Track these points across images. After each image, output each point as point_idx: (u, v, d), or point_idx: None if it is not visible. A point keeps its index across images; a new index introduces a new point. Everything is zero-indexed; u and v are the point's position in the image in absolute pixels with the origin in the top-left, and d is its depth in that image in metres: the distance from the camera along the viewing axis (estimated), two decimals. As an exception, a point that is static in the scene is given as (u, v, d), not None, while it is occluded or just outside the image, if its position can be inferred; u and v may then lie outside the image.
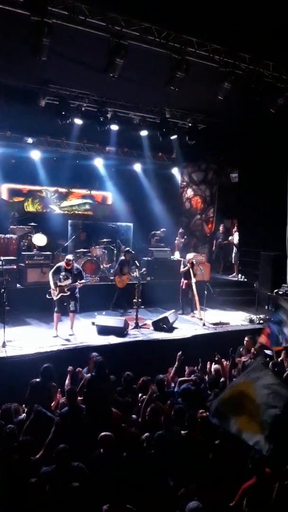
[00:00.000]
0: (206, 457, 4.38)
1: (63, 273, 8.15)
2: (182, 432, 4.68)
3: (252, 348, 7.22)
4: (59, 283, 8.09)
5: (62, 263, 8.34)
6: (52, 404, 5.46)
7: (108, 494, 3.62)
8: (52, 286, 8.10)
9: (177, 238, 14.06)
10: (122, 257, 10.32)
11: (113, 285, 10.26)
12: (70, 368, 6.09)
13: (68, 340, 7.87)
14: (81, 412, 5.09)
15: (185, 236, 14.21)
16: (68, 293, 8.11)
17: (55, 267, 8.35)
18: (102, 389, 5.33)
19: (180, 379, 6.20)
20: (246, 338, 7.72)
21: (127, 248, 10.69)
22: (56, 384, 5.68)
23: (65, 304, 8.25)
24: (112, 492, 3.60)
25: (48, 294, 8.20)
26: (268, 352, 7.41)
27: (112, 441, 4.29)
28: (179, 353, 6.63)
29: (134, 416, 5.33)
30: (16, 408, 5.33)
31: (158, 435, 4.35)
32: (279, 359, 7.10)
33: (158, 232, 13.54)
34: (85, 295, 8.69)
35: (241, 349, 7.66)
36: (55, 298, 8.11)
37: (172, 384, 6.26)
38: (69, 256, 8.55)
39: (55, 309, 8.18)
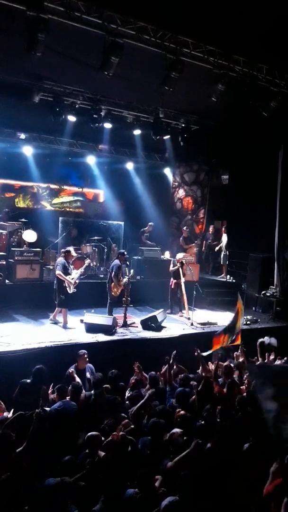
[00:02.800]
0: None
1: (70, 266, 8.62)
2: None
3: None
4: (72, 276, 8.51)
5: (61, 259, 8.51)
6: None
7: None
8: (75, 279, 8.51)
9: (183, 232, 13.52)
10: (117, 261, 9.23)
11: (102, 283, 9.74)
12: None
13: (56, 336, 7.86)
14: (72, 408, 5.12)
15: (186, 228, 13.58)
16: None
17: (61, 266, 8.37)
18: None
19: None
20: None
21: (122, 250, 10.02)
22: (46, 387, 5.60)
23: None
24: None
25: (68, 290, 8.48)
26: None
27: (99, 442, 4.26)
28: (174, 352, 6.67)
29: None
30: None
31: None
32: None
33: (146, 228, 13.38)
34: (74, 293, 8.68)
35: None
36: (71, 291, 8.49)
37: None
38: (71, 248, 9.02)
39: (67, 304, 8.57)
